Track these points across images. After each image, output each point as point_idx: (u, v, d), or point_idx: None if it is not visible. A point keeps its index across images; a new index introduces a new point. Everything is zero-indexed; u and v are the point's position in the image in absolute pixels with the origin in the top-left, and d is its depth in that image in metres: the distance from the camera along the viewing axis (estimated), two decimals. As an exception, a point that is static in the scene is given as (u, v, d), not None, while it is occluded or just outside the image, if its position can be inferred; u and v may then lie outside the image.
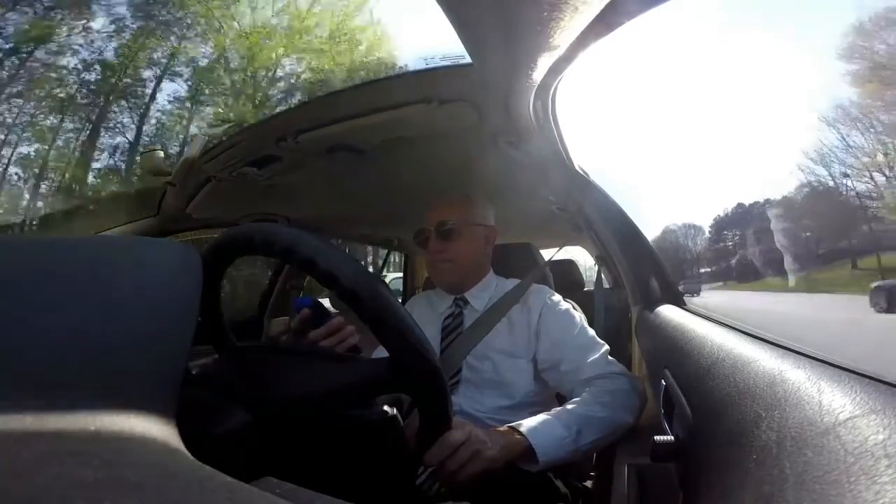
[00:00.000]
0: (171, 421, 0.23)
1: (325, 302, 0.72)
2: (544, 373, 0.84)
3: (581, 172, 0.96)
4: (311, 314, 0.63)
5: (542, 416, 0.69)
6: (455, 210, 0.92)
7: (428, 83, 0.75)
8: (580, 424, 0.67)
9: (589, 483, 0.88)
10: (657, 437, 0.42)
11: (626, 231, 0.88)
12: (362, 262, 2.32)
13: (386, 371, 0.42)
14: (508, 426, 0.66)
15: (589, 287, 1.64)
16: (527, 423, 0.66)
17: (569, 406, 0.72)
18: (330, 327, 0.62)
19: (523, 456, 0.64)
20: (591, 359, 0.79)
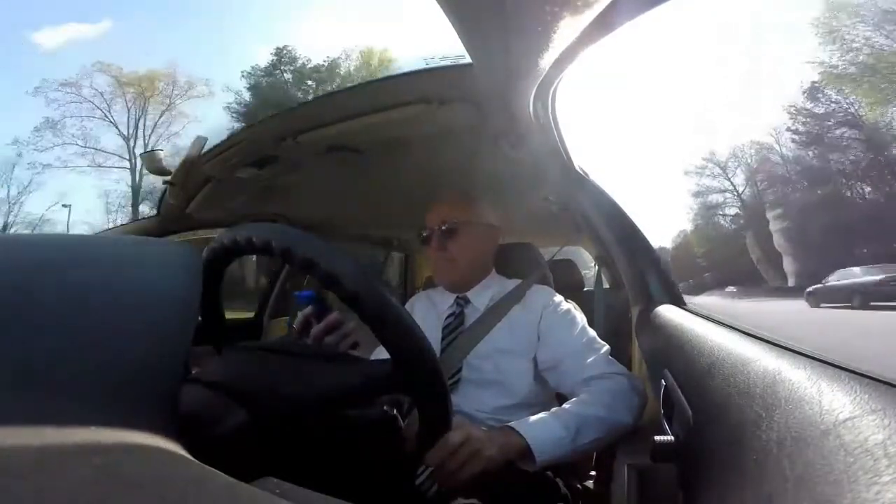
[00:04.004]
0: (171, 421, 0.23)
1: None
2: (545, 372, 0.84)
3: (581, 172, 0.96)
4: (314, 312, 0.63)
5: (540, 416, 0.69)
6: (458, 209, 0.92)
7: (428, 83, 0.75)
8: (579, 424, 0.67)
9: (589, 483, 0.88)
10: (657, 437, 0.42)
11: (626, 231, 0.88)
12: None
13: (386, 372, 0.42)
14: (506, 425, 0.66)
15: (589, 287, 1.64)
16: (525, 423, 0.66)
17: (568, 406, 0.72)
18: (329, 323, 0.61)
19: (521, 455, 0.64)
20: (591, 359, 0.79)
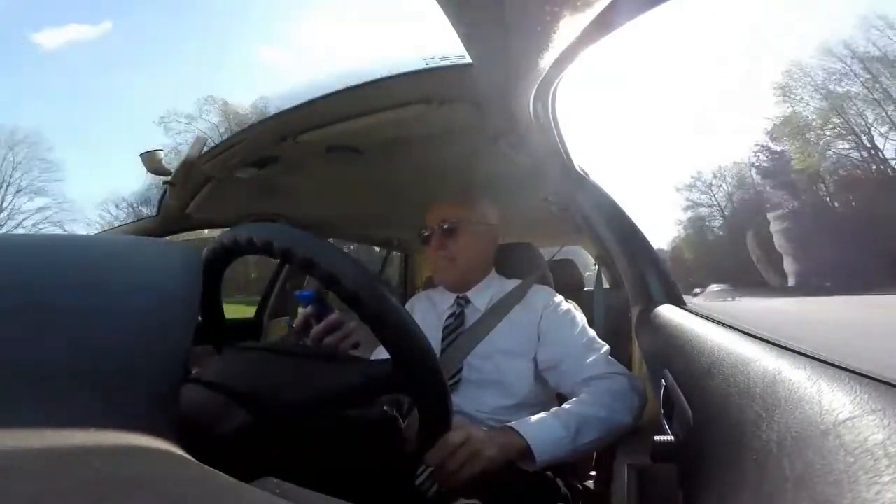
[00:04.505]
0: (171, 421, 0.23)
1: None
2: (545, 372, 0.84)
3: (581, 172, 0.96)
4: (314, 312, 0.63)
5: (540, 416, 0.69)
6: (457, 209, 0.93)
7: (428, 83, 0.75)
8: (579, 424, 0.67)
9: (589, 483, 0.88)
10: (657, 437, 0.42)
11: (626, 231, 0.88)
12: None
13: (387, 372, 0.42)
14: (507, 425, 0.66)
15: (589, 287, 1.64)
16: (525, 423, 0.66)
17: (568, 406, 0.72)
18: (329, 324, 0.61)
19: (521, 455, 0.64)
20: (591, 359, 0.79)
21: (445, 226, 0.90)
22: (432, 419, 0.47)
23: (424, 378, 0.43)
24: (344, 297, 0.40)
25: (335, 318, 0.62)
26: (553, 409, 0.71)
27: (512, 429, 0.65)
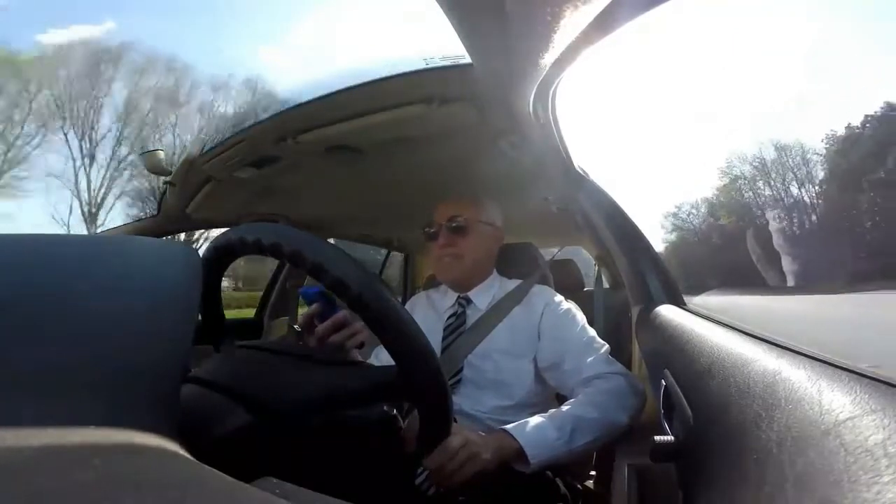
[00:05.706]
0: (171, 421, 0.23)
1: None
2: (545, 372, 0.84)
3: (581, 172, 0.96)
4: (319, 310, 0.62)
5: (535, 419, 0.69)
6: (467, 207, 0.93)
7: (428, 83, 0.75)
8: (574, 426, 0.67)
9: (589, 483, 0.88)
10: (657, 437, 0.42)
11: (626, 230, 0.88)
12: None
13: (389, 379, 0.42)
14: (501, 429, 0.67)
15: (589, 287, 1.64)
16: (519, 426, 0.67)
17: (564, 407, 0.72)
18: (336, 321, 0.61)
19: (516, 458, 0.64)
20: (591, 358, 0.79)
21: (454, 224, 0.90)
22: (433, 424, 0.47)
23: (426, 384, 0.43)
24: (350, 301, 0.40)
25: (342, 315, 0.61)
26: (550, 412, 0.71)
27: (506, 432, 0.65)
